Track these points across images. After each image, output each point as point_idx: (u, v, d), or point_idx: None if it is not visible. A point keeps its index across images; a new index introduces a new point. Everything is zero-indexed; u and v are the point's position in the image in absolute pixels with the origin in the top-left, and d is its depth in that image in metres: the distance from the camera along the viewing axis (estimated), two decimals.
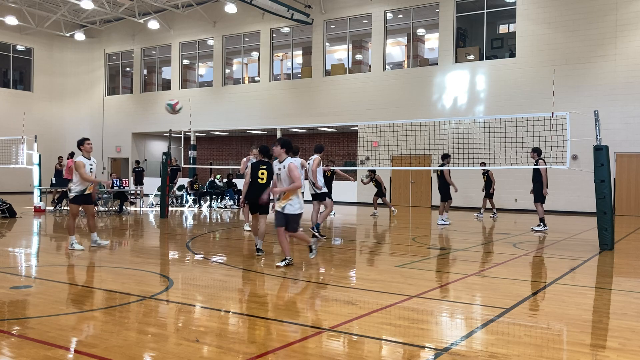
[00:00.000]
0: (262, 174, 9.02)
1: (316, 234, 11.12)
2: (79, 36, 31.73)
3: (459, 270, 7.83)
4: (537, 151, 13.39)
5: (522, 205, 16.05)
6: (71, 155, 21.86)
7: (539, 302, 6.03)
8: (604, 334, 4.79)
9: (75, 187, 9.17)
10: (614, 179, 19.30)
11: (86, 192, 9.24)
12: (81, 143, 9.21)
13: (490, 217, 17.26)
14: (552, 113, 11.37)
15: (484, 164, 16.68)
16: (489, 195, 17.10)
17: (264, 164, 9.10)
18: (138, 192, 20.82)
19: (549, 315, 5.40)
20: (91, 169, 9.22)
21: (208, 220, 16.28)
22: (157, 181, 21.30)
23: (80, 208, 9.39)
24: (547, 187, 13.23)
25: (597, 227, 10.12)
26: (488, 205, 17.43)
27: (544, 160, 13.38)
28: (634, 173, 19.59)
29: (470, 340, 4.46)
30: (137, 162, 24.87)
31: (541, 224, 13.31)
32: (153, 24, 29.02)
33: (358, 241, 11.43)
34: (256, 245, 9.01)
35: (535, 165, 13.26)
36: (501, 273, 7.68)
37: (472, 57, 23.07)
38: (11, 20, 28.47)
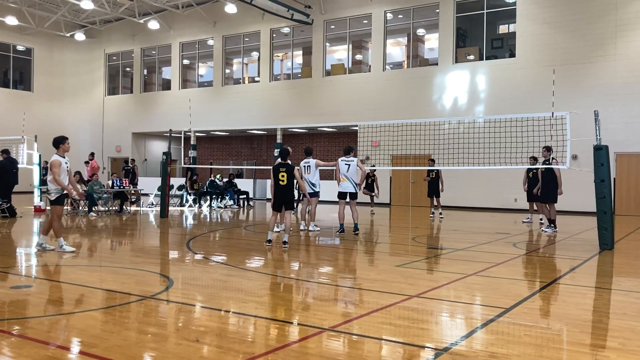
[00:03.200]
0: (283, 175, 9.82)
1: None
2: (79, 36, 31.73)
3: (459, 270, 7.83)
4: (549, 149, 12.86)
5: (522, 205, 16.05)
6: (92, 155, 21.85)
7: (539, 302, 6.03)
8: (604, 334, 4.79)
9: (54, 187, 8.80)
10: (614, 178, 19.29)
11: (65, 192, 8.94)
12: (62, 142, 8.89)
13: (430, 216, 17.12)
14: (552, 113, 11.37)
15: (432, 161, 16.63)
16: (437, 193, 16.83)
17: (283, 166, 9.89)
18: (133, 192, 20.39)
19: (549, 315, 5.41)
20: (67, 166, 8.95)
21: (208, 220, 16.28)
22: (157, 181, 21.28)
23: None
24: (561, 187, 12.89)
25: (597, 227, 10.12)
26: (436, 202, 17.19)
27: (556, 160, 13.14)
28: (634, 173, 19.59)
29: (470, 340, 4.46)
30: (126, 161, 24.76)
31: (552, 225, 13.16)
32: (153, 24, 29.03)
33: (358, 241, 11.42)
34: (268, 237, 9.96)
35: (548, 164, 12.82)
36: (501, 273, 7.68)
37: (472, 57, 23.06)
38: (11, 20, 28.47)
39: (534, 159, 14.77)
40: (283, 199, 9.91)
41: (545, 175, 13.05)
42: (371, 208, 18.45)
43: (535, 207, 15.25)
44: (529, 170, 14.81)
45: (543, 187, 13.19)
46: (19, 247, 10.35)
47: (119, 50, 32.78)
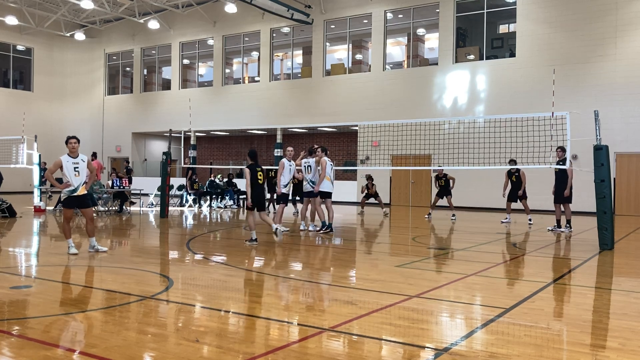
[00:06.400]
0: (260, 175, 10.13)
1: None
2: (79, 36, 31.74)
3: (459, 270, 7.83)
4: (564, 150, 12.33)
5: (521, 205, 16.06)
6: (94, 155, 21.84)
7: (539, 302, 6.03)
8: (604, 334, 4.79)
9: (65, 189, 8.65)
10: (614, 178, 19.30)
11: (79, 194, 8.67)
12: (66, 142, 8.76)
13: (425, 217, 17.06)
14: (552, 113, 11.36)
15: (441, 170, 16.63)
16: (448, 194, 16.76)
17: (257, 166, 10.20)
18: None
19: (549, 315, 5.40)
20: (76, 167, 8.69)
21: (208, 220, 16.27)
22: (157, 181, 21.28)
23: (77, 210, 9.03)
24: (569, 189, 12.69)
25: (597, 227, 10.12)
26: (440, 204, 17.12)
27: (571, 161, 12.78)
28: (634, 173, 19.59)
29: (470, 340, 4.46)
30: (127, 161, 24.78)
31: (568, 224, 12.96)
32: (153, 24, 29.03)
33: (358, 241, 11.44)
34: (252, 237, 10.18)
35: (561, 164, 12.47)
36: (501, 273, 7.68)
37: (472, 57, 23.06)
38: (11, 20, 28.48)
39: (514, 162, 14.77)
40: (260, 198, 10.14)
41: (559, 176, 12.84)
42: (384, 209, 18.63)
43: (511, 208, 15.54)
44: (510, 174, 14.92)
45: (557, 188, 12.95)
46: (18, 247, 10.34)
47: (119, 50, 32.77)
